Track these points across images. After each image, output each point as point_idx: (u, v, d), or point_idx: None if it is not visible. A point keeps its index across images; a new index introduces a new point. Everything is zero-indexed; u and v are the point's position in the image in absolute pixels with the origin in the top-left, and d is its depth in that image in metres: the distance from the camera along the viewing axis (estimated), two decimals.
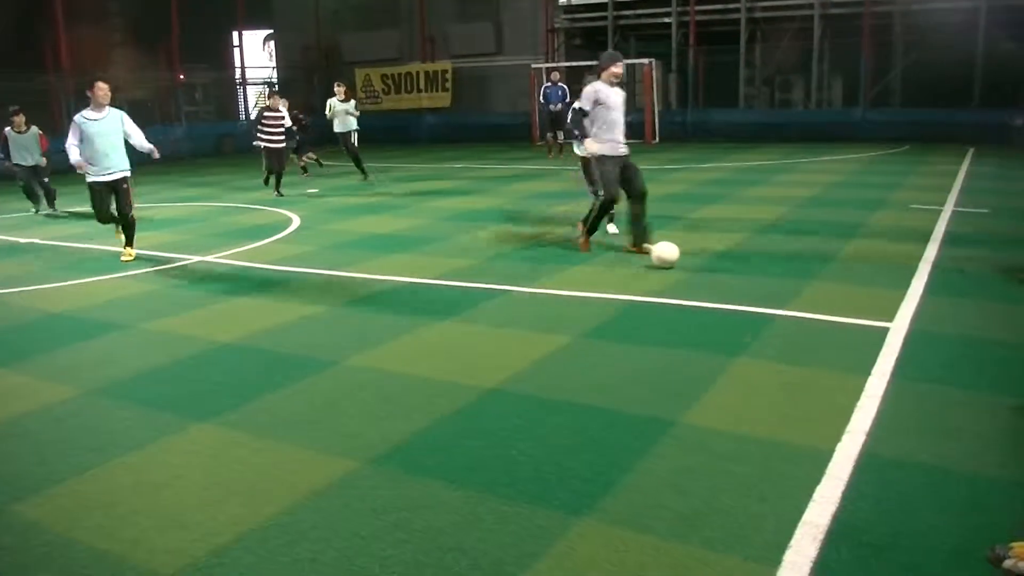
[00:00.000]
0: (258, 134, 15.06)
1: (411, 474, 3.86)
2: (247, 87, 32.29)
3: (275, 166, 15.14)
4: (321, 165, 19.29)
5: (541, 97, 20.88)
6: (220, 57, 33.52)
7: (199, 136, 26.66)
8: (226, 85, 33.15)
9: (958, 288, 6.91)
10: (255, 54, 36.71)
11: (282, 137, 15.06)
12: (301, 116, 17.93)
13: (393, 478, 3.82)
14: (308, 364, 5.48)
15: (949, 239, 8.91)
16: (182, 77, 27.47)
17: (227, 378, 5.31)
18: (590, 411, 4.53)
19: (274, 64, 36.43)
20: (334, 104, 16.85)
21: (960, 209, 10.86)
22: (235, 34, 31.69)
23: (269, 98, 15.74)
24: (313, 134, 19.26)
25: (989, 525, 3.27)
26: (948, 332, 5.75)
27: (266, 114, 15.15)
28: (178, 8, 25.93)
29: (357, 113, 17.06)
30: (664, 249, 7.88)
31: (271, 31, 36.64)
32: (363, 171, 17.01)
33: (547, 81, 20.95)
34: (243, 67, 31.51)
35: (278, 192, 15.03)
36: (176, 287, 7.97)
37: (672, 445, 4.08)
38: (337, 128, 16.88)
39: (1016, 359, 5.21)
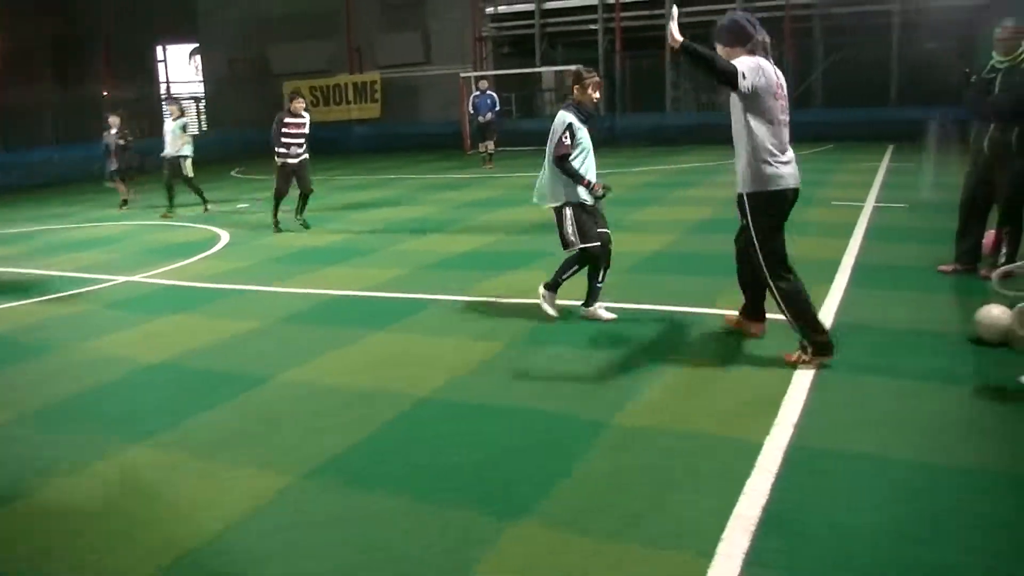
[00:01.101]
0: (281, 148, 11.86)
1: (349, 485, 3.85)
2: None
3: (304, 186, 12.07)
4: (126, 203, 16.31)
5: (470, 106, 20.74)
6: (144, 72, 32.95)
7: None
8: (152, 100, 32.58)
9: (880, 281, 7.13)
10: (181, 68, 36.18)
11: (304, 149, 12.00)
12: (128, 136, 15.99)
13: (331, 490, 3.81)
14: (242, 380, 5.42)
15: (871, 234, 9.19)
16: (106, 94, 26.87)
17: (160, 398, 5.23)
18: (527, 415, 4.57)
19: (201, 78, 35.91)
20: (170, 125, 14.61)
21: (880, 204, 11.20)
22: (159, 48, 31.17)
23: (292, 100, 12.15)
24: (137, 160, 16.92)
25: (913, 510, 3.40)
26: (871, 323, 5.93)
27: (287, 120, 11.82)
28: (101, 23, 25.37)
29: (189, 137, 14.68)
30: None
31: (197, 44, 36.11)
32: (204, 200, 14.70)
33: (476, 90, 20.88)
34: (168, 81, 30.98)
35: (302, 220, 12.22)
36: (105, 308, 7.81)
37: (608, 445, 4.14)
38: (168, 151, 14.47)
39: (935, 346, 5.41)
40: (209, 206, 14.73)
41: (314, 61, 31.73)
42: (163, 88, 31.33)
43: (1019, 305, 5.40)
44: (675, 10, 4.94)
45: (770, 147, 4.93)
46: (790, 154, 5.07)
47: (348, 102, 30.12)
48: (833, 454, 3.92)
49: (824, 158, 18.28)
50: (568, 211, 6.25)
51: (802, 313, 5.07)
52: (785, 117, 5.03)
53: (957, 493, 3.52)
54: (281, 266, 9.30)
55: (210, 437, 4.54)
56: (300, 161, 11.87)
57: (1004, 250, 7.01)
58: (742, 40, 4.93)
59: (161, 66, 31.62)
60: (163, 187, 14.77)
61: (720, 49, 4.98)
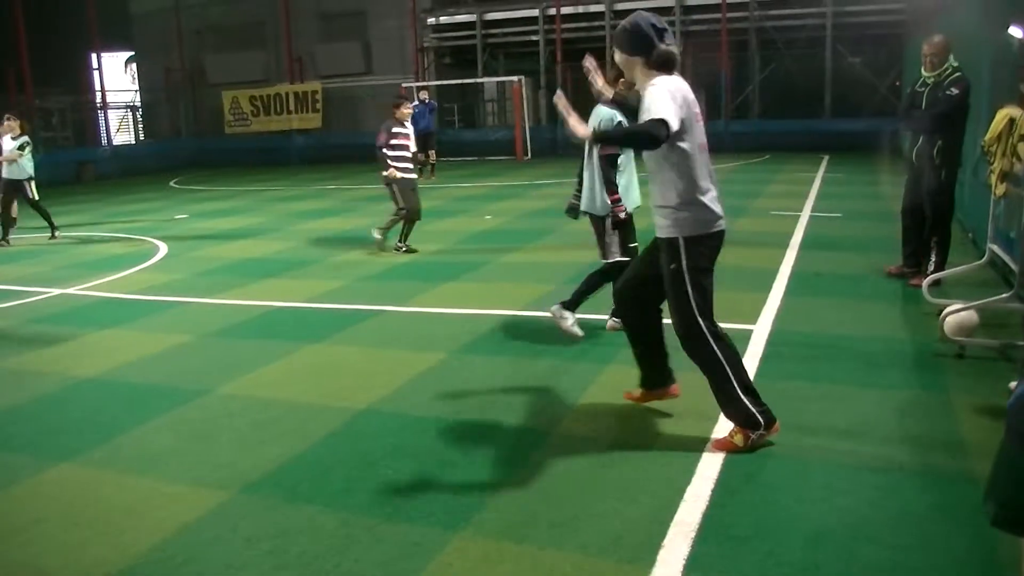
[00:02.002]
0: (400, 163, 10.11)
1: (285, 500, 3.79)
2: (108, 111, 31.13)
3: (413, 204, 10.20)
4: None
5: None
6: (77, 80, 32.23)
7: (57, 163, 25.49)
8: (85, 109, 31.89)
9: (815, 289, 7.27)
10: (116, 77, 35.49)
11: (409, 164, 10.32)
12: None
13: (266, 506, 3.75)
14: (176, 395, 5.31)
15: (806, 243, 9.36)
16: (36, 102, 26.22)
17: (89, 414, 5.09)
18: (465, 426, 4.55)
19: (136, 87, 35.27)
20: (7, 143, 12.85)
21: (816, 214, 11.42)
22: (93, 56, 30.52)
23: (396, 108, 10.45)
24: None
25: (844, 508, 3.46)
26: (807, 331, 6.04)
27: (395, 131, 10.20)
28: (27, 29, 24.74)
29: (29, 156, 13.00)
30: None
31: (132, 53, 35.48)
32: (52, 225, 13.16)
33: (416, 100, 20.74)
34: (103, 90, 30.36)
35: (405, 246, 10.22)
36: (35, 322, 7.59)
37: (546, 455, 4.14)
38: (6, 173, 12.76)
39: (869, 351, 5.53)
40: (57, 232, 13.13)
41: (251, 71, 31.42)
42: (98, 96, 30.63)
43: (945, 311, 5.56)
44: (589, 61, 4.62)
45: (701, 183, 4.02)
46: (716, 190, 4.12)
47: (289, 112, 29.85)
48: (769, 458, 3.98)
49: (761, 168, 18.61)
50: (610, 221, 5.92)
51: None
52: (705, 141, 4.12)
53: (881, 493, 3.59)
54: (219, 278, 9.15)
55: (142, 453, 4.44)
56: (409, 179, 10.27)
57: (933, 258, 7.20)
58: (643, 49, 3.99)
59: (95, 74, 30.87)
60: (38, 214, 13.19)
61: (618, 56, 4.13)
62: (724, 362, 4.08)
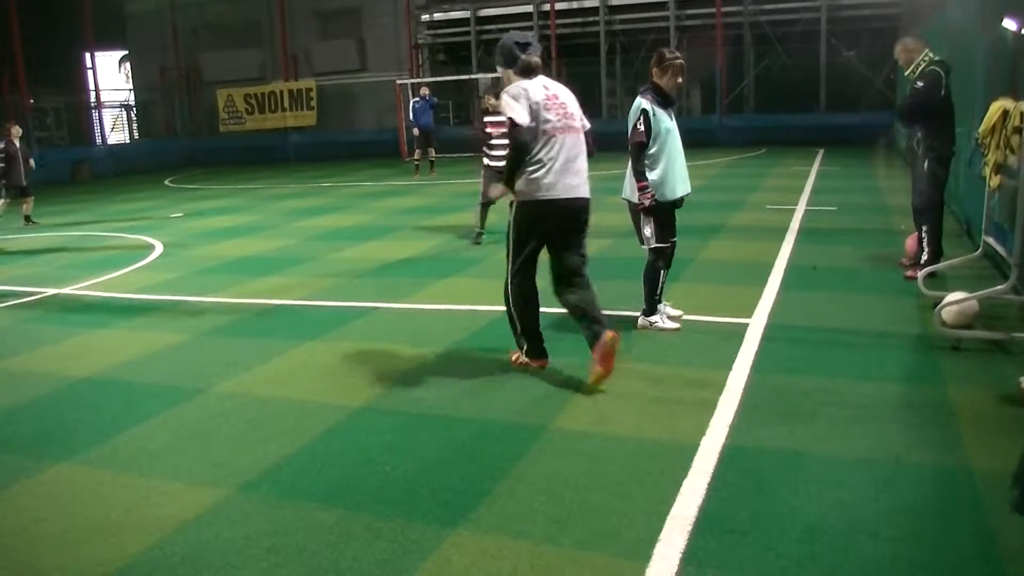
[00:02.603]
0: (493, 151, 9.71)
1: (283, 498, 3.79)
2: (102, 110, 31.09)
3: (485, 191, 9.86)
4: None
5: (411, 113, 20.44)
6: (72, 80, 32.18)
7: (52, 163, 25.44)
8: (80, 109, 31.84)
9: (811, 282, 7.28)
10: (111, 76, 35.44)
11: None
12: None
13: (264, 503, 3.75)
14: (173, 394, 5.31)
15: (802, 236, 9.37)
16: (32, 101, 26.15)
17: (87, 414, 5.09)
18: (461, 422, 4.55)
19: (131, 86, 35.22)
20: None
21: (811, 208, 11.43)
22: (87, 55, 30.47)
23: (488, 97, 10.20)
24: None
25: (840, 501, 3.47)
26: (802, 324, 6.05)
27: (486, 119, 9.93)
28: (21, 28, 24.69)
29: None
30: None
31: (126, 52, 35.42)
32: None
33: (417, 97, 20.70)
34: (97, 89, 30.31)
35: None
36: (31, 322, 7.59)
37: (543, 450, 4.14)
38: None
39: (863, 344, 5.55)
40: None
41: (246, 69, 31.39)
42: (92, 96, 30.59)
43: (941, 303, 5.57)
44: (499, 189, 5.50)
45: (537, 155, 4.95)
46: (559, 165, 4.98)
47: (284, 110, 29.84)
48: (765, 452, 3.99)
49: (757, 162, 18.62)
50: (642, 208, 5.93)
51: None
52: (570, 123, 5.07)
53: (878, 486, 3.60)
54: (215, 277, 9.14)
55: (140, 452, 4.44)
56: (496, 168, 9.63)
57: (925, 248, 7.24)
58: (510, 61, 5.10)
59: (90, 73, 30.85)
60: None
61: (500, 70, 5.24)
62: (512, 309, 5.27)
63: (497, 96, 10.07)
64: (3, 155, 14.38)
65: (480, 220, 10.26)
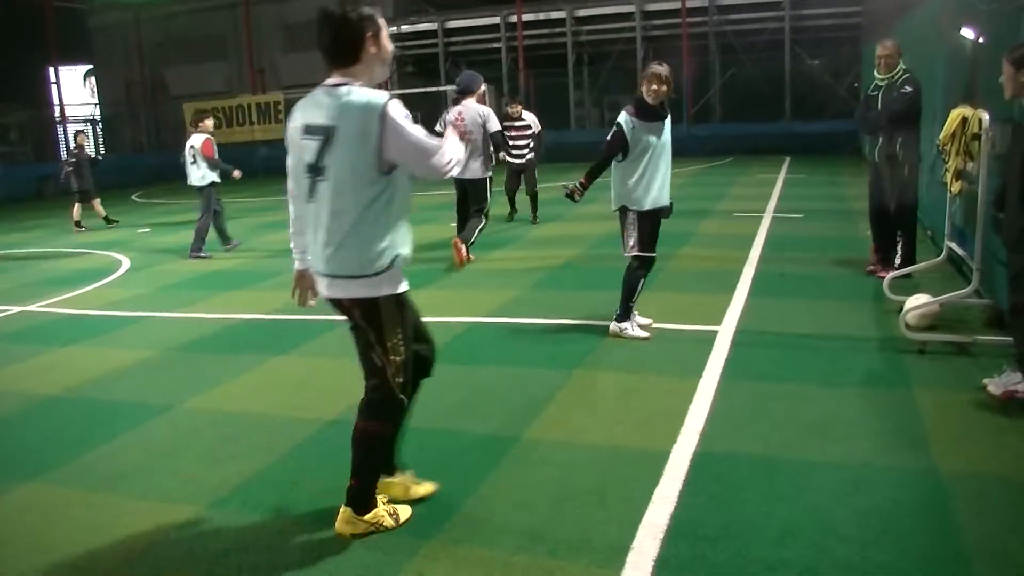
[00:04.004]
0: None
1: (254, 514, 3.76)
2: (67, 125, 30.77)
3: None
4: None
5: None
6: (36, 94, 31.83)
7: (16, 179, 25.14)
8: (45, 124, 31.49)
9: (778, 289, 7.35)
10: (75, 90, 35.07)
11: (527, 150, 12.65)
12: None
13: (235, 520, 3.72)
14: (142, 411, 5.25)
15: (769, 244, 9.46)
16: None
17: (53, 433, 5.02)
18: (433, 434, 4.54)
19: (96, 101, 34.90)
20: None
21: (778, 215, 11.55)
22: (51, 70, 30.17)
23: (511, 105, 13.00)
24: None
25: (812, 505, 3.50)
26: (771, 331, 6.11)
27: (505, 124, 11.78)
28: None
29: None
30: None
31: (91, 67, 35.10)
32: None
33: None
34: (62, 104, 29.99)
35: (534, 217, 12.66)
36: None
37: (515, 461, 4.15)
38: None
39: (830, 349, 5.61)
40: None
41: (213, 82, 31.22)
42: (57, 111, 30.27)
43: (905, 308, 5.65)
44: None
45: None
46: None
47: (251, 123, 29.68)
48: (736, 458, 4.01)
49: (724, 171, 18.78)
50: (630, 215, 6.02)
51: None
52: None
53: (848, 489, 3.64)
54: (183, 292, 9.07)
55: (109, 470, 4.38)
56: (524, 162, 12.53)
57: (899, 251, 7.37)
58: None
59: (54, 88, 30.53)
60: None
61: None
62: None
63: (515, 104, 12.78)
64: (75, 162, 15.48)
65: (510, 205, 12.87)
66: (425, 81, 28.70)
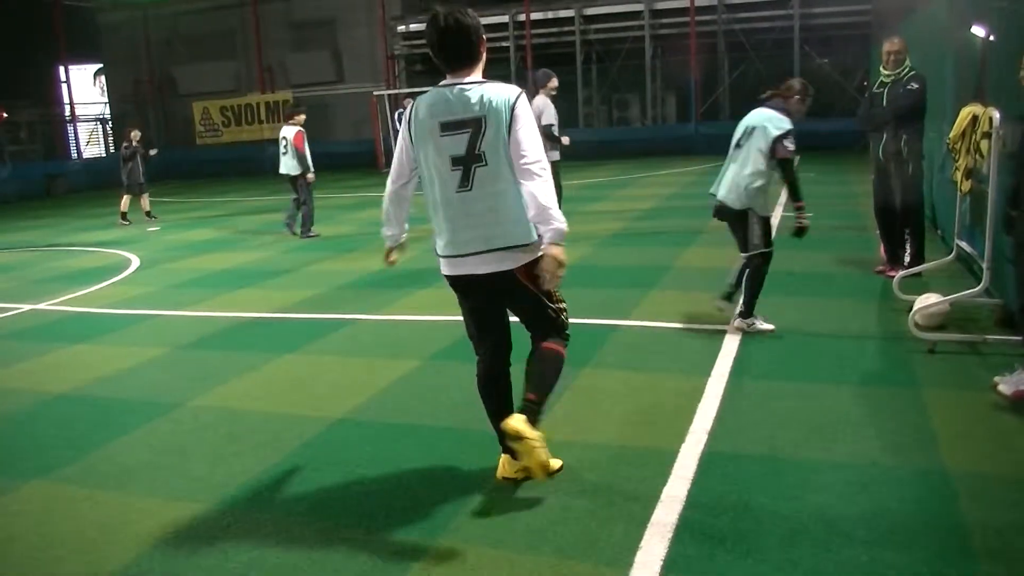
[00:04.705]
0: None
1: (261, 512, 3.76)
2: (77, 123, 30.85)
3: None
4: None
5: (398, 120, 20.38)
6: (46, 93, 31.91)
7: (26, 177, 25.22)
8: (55, 122, 31.57)
9: (788, 288, 7.32)
10: (86, 89, 35.16)
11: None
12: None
13: (243, 517, 3.72)
14: (150, 408, 5.26)
15: (778, 242, 9.38)
16: (5, 115, 25.88)
17: (61, 431, 5.03)
18: (440, 433, 4.55)
19: (106, 99, 34.96)
20: None
21: (787, 214, 11.47)
22: (61, 68, 30.24)
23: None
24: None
25: (819, 505, 3.49)
26: (780, 328, 6.08)
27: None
28: None
29: None
30: None
31: (101, 65, 35.18)
32: None
33: (401, 107, 20.66)
34: (72, 103, 30.08)
35: None
36: (7, 338, 7.50)
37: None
38: None
39: (839, 348, 5.59)
40: None
41: (221, 81, 31.23)
42: (67, 109, 30.34)
43: (915, 307, 5.63)
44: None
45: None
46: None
47: (260, 121, 29.69)
48: (743, 457, 4.00)
49: None
50: (755, 217, 6.10)
51: None
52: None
53: (856, 489, 3.62)
54: (191, 290, 9.09)
55: (116, 468, 4.40)
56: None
57: (908, 249, 7.33)
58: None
59: (64, 87, 30.60)
60: None
61: None
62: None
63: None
64: (128, 155, 15.97)
65: None
66: (433, 79, 28.59)
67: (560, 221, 3.48)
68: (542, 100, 9.81)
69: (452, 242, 3.67)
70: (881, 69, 7.38)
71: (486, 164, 3.50)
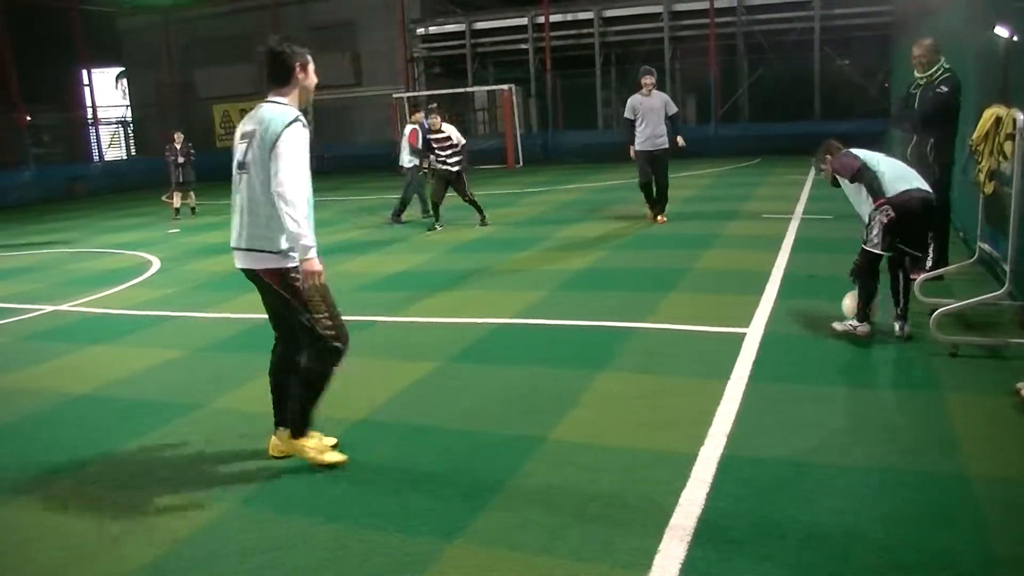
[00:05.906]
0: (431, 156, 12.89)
1: (279, 513, 3.78)
2: (99, 127, 31.11)
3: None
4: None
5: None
6: (69, 97, 32.20)
7: (49, 180, 25.45)
8: (77, 125, 31.85)
9: (807, 291, 7.27)
10: (108, 92, 35.48)
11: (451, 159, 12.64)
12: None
13: (260, 519, 3.74)
14: (169, 409, 5.29)
15: (798, 245, 9.37)
16: (28, 118, 26.12)
17: (82, 431, 5.08)
18: (458, 435, 4.55)
19: (127, 103, 35.26)
20: None
21: (807, 217, 11.43)
22: (83, 72, 30.51)
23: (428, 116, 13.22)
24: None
25: (838, 509, 3.46)
26: (799, 333, 6.05)
27: (428, 137, 12.88)
28: (16, 46, 24.70)
29: None
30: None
31: (123, 68, 35.48)
32: None
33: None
34: (94, 106, 30.34)
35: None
36: (26, 339, 7.57)
37: (539, 462, 4.13)
38: None
39: (861, 351, 5.55)
40: None
41: (241, 84, 31.38)
42: (89, 112, 30.61)
43: (938, 312, 5.57)
44: None
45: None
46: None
47: None
48: (762, 461, 3.98)
49: (752, 172, 18.64)
50: (878, 215, 5.95)
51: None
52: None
53: (874, 493, 3.60)
54: (211, 292, 9.14)
55: (135, 468, 4.43)
56: (453, 171, 12.58)
57: (931, 254, 7.26)
58: None
59: (87, 90, 30.89)
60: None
61: None
62: None
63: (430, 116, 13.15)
64: (174, 157, 17.09)
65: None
66: (452, 82, 28.76)
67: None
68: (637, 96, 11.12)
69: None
70: (915, 71, 7.33)
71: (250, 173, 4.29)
